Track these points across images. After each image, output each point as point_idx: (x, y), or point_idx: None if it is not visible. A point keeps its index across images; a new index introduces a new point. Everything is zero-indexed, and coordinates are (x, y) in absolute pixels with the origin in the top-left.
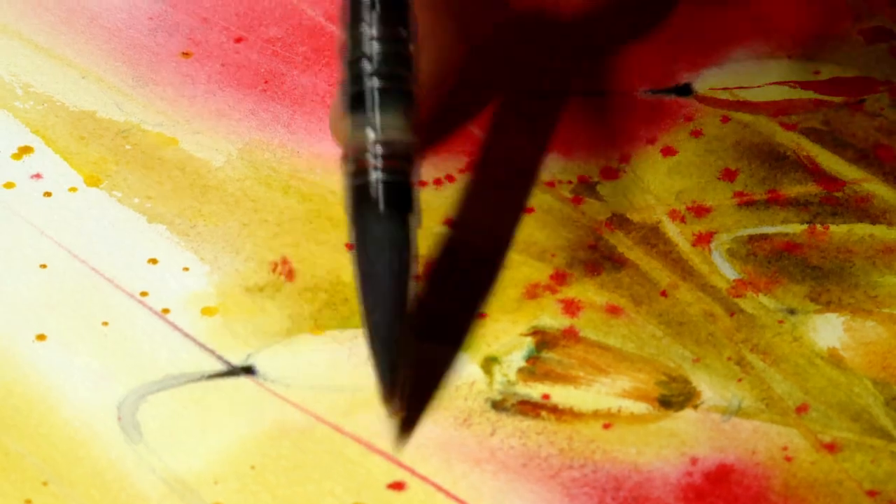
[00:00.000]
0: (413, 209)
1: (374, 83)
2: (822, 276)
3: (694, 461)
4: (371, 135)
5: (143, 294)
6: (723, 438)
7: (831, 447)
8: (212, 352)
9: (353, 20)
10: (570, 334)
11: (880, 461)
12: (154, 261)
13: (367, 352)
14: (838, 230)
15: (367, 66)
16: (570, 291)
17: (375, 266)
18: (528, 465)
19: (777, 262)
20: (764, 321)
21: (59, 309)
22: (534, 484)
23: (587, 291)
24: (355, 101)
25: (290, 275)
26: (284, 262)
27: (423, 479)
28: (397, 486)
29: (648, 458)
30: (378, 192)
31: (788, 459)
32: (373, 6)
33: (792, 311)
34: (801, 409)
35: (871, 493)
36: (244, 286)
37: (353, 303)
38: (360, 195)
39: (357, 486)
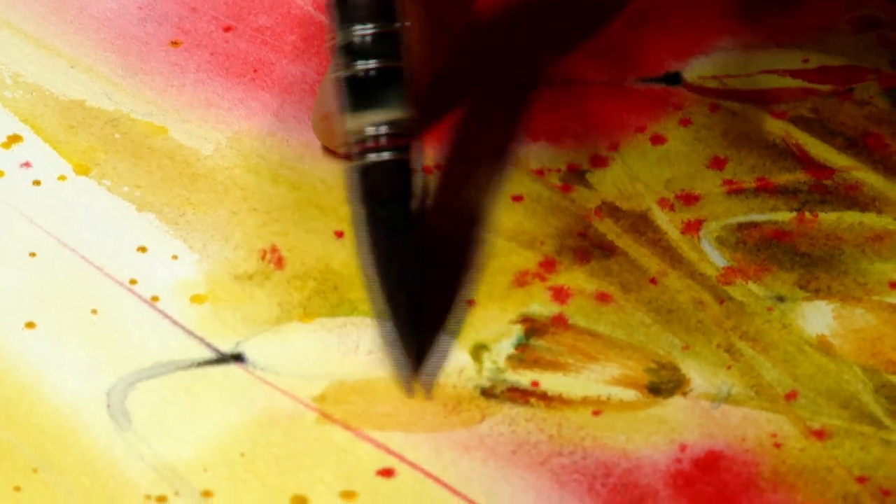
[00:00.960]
0: (417, 185)
1: (368, 64)
2: (811, 264)
3: (683, 448)
4: (371, 116)
5: (133, 282)
6: (712, 425)
7: (820, 434)
8: (201, 339)
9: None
10: (560, 321)
11: (869, 448)
12: (143, 249)
13: (388, 335)
14: (827, 218)
15: (358, 50)
16: (560, 279)
17: (390, 251)
18: (518, 452)
19: (766, 249)
20: (753, 309)
21: (49, 297)
22: (523, 470)
23: (576, 279)
24: (349, 86)
25: (279, 263)
26: (274, 250)
27: (413, 465)
28: (386, 472)
29: (638, 445)
30: (385, 171)
31: (778, 446)
32: None
33: (781, 299)
34: (791, 397)
35: (861, 480)
36: (233, 274)
37: (342, 291)
38: (365, 176)
39: (346, 473)
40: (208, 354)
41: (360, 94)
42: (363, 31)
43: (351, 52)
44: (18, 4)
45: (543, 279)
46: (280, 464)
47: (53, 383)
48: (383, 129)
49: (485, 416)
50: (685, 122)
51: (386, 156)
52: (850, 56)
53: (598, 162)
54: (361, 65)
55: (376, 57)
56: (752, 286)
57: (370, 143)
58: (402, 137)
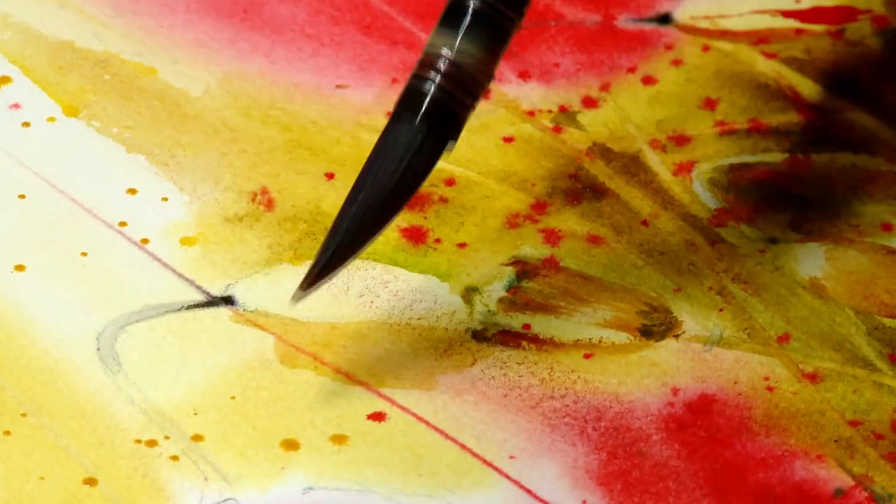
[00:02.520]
0: (453, 136)
1: (475, 3)
2: (803, 206)
3: (675, 391)
4: (446, 50)
5: (122, 224)
6: (704, 368)
7: (813, 377)
8: (191, 282)
9: None
10: (551, 264)
11: (862, 391)
12: (133, 191)
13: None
14: (820, 159)
15: None
16: (551, 221)
17: (388, 163)
18: (509, 396)
19: (758, 191)
20: (745, 250)
21: (38, 240)
22: (514, 414)
23: (568, 221)
24: (450, 13)
25: (269, 205)
26: (264, 191)
27: (404, 409)
28: (377, 416)
29: (629, 389)
30: (427, 100)
31: (770, 389)
32: None
33: (773, 241)
34: (783, 339)
35: (854, 424)
36: (223, 216)
37: None
38: (408, 96)
39: (337, 417)
40: (198, 297)
41: (454, 26)
42: None
43: None
44: None
45: (535, 221)
46: (270, 407)
47: (42, 326)
48: (450, 69)
49: (476, 360)
50: (677, 63)
51: (437, 93)
52: None
53: (590, 103)
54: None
55: (489, 4)
56: (745, 228)
57: (433, 75)
58: (461, 85)
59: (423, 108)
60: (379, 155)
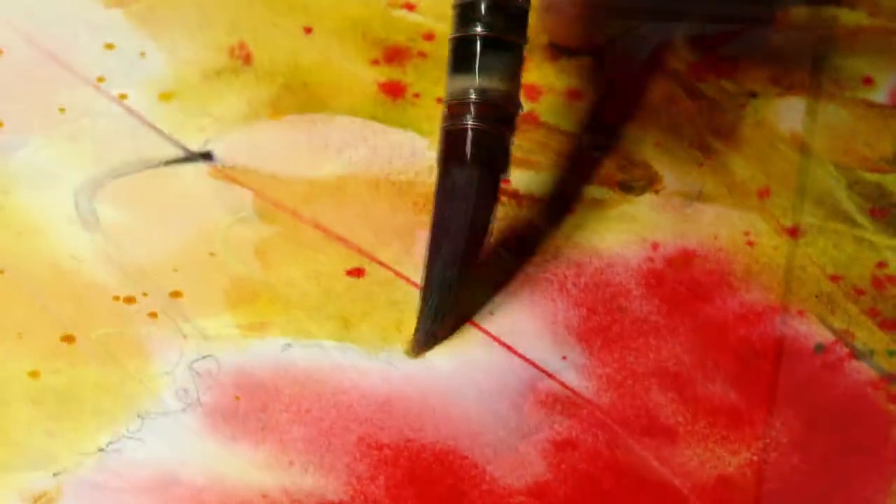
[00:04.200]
0: (503, 164)
1: (479, 30)
2: (783, 60)
3: (655, 246)
4: (470, 83)
5: (100, 80)
6: (684, 223)
7: (793, 232)
8: (169, 137)
9: None
10: (530, 119)
11: (843, 246)
12: (111, 46)
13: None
14: (800, 13)
15: (476, 15)
16: (530, 76)
17: (453, 215)
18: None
19: (739, 45)
20: (725, 105)
21: (16, 95)
22: (494, 270)
23: (547, 76)
24: (460, 47)
25: (247, 59)
26: (242, 46)
27: (382, 265)
28: (356, 272)
29: (609, 244)
30: (468, 141)
31: (750, 244)
32: None
33: (753, 95)
34: (763, 194)
35: (834, 279)
36: (201, 71)
37: (311, 88)
38: (449, 145)
39: (315, 273)
40: (177, 152)
41: (469, 58)
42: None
43: (470, 16)
44: None
45: None
46: (249, 264)
47: (19, 182)
48: (479, 98)
49: None
50: None
51: (475, 125)
52: None
53: None
54: (476, 30)
55: (494, 28)
56: (725, 82)
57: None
58: (495, 112)
59: (469, 154)
60: (444, 209)
